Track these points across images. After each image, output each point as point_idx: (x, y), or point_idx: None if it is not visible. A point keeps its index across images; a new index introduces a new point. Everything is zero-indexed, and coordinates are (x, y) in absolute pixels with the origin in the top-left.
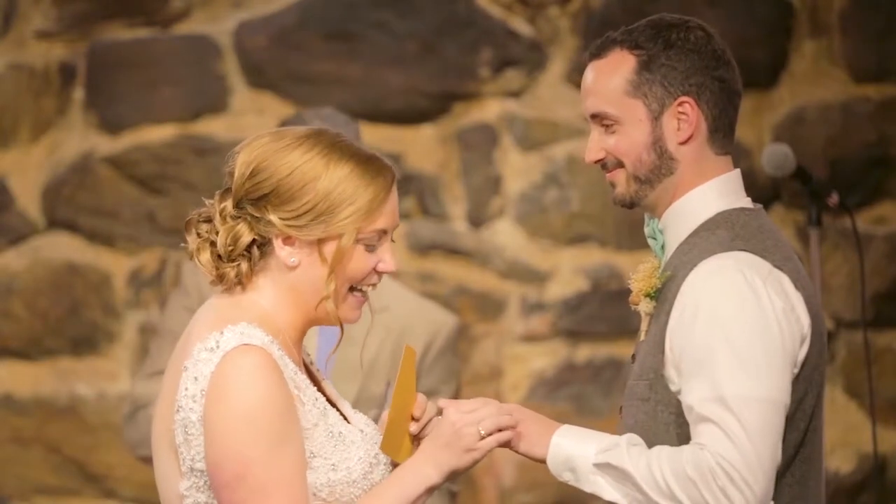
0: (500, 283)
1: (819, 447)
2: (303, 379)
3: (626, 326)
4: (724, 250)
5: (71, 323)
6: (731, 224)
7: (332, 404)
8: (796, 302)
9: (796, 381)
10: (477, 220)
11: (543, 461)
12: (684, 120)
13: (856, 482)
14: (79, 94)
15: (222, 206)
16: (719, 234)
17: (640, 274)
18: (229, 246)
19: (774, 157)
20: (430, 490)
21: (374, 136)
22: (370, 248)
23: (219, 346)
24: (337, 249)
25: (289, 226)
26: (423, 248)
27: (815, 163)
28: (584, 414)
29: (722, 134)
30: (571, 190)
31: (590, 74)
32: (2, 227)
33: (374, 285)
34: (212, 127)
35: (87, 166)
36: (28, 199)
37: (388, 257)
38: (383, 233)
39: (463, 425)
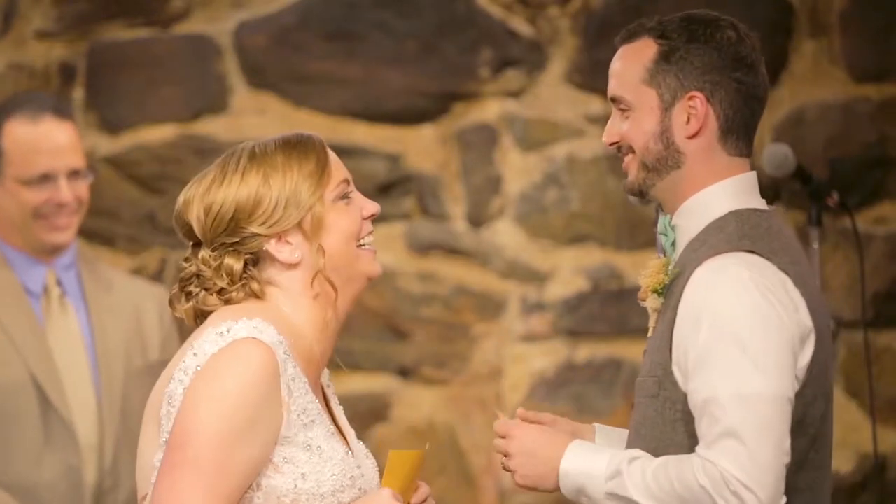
0: (500, 283)
1: (828, 455)
2: (300, 386)
3: (626, 326)
4: (731, 249)
5: None
6: (741, 223)
7: (336, 424)
8: (799, 304)
9: (804, 386)
10: (477, 220)
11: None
12: (693, 115)
13: (856, 482)
14: (79, 94)
15: (200, 257)
16: (728, 231)
17: (648, 270)
18: (228, 279)
19: (774, 157)
20: None
21: (374, 136)
22: (347, 200)
23: (229, 332)
24: (314, 218)
25: (271, 226)
26: (422, 248)
27: (815, 163)
28: (584, 414)
29: (735, 136)
30: (571, 190)
31: (616, 58)
32: None
33: (371, 232)
34: (212, 127)
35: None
36: None
37: (366, 202)
38: (346, 182)
39: None
